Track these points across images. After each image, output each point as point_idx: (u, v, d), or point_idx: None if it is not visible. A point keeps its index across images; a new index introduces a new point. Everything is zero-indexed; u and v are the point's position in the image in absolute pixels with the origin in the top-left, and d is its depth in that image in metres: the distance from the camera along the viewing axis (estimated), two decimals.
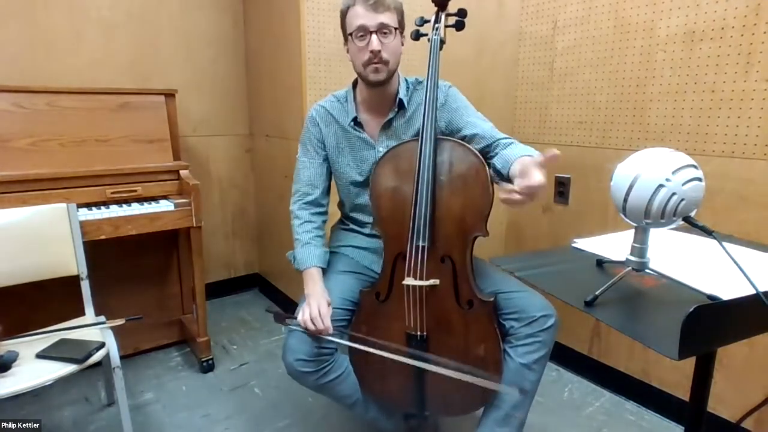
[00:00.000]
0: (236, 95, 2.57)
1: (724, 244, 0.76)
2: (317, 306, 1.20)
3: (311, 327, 1.17)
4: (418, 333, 1.19)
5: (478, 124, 1.31)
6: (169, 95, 1.99)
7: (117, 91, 1.90)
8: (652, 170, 0.79)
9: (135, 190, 1.80)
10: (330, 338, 1.19)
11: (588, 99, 1.85)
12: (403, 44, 1.30)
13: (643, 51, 1.65)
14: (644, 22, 1.64)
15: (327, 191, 1.44)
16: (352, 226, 1.46)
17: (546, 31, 1.99)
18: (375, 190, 1.26)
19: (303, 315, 1.19)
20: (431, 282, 1.17)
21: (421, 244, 1.17)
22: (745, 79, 1.42)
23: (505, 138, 1.27)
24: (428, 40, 1.27)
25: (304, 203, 1.41)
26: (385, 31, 1.23)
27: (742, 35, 1.42)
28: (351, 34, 1.25)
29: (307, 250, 1.34)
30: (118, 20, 2.17)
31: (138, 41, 2.24)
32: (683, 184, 0.77)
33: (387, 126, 1.36)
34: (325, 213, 1.43)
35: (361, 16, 1.22)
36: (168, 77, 2.32)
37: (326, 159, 1.42)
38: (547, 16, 1.97)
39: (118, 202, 1.76)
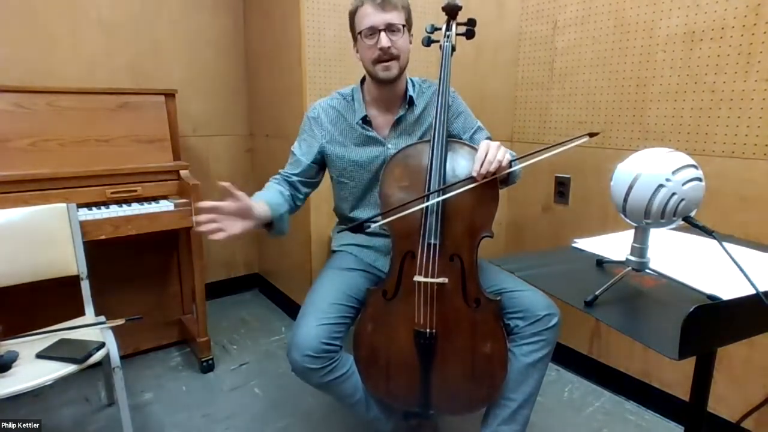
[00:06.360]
0: (236, 95, 2.56)
1: (724, 244, 0.76)
2: None
3: None
4: (428, 330, 1.20)
5: (476, 131, 1.43)
6: (169, 95, 1.99)
7: (117, 91, 1.90)
8: (652, 170, 0.79)
9: (135, 190, 1.80)
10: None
11: (588, 99, 1.85)
12: (411, 42, 1.33)
13: (643, 51, 1.65)
14: (644, 22, 1.64)
15: (306, 187, 1.42)
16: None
17: (546, 31, 1.99)
18: (386, 189, 1.26)
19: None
20: (441, 280, 1.18)
21: (432, 241, 1.18)
22: (745, 79, 1.42)
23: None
24: (440, 47, 1.32)
25: (281, 178, 1.40)
26: (393, 29, 1.26)
27: (742, 35, 1.42)
28: (360, 33, 1.28)
29: (259, 194, 1.29)
30: (118, 20, 2.17)
31: (138, 41, 2.24)
32: (683, 184, 0.77)
33: (397, 123, 1.39)
34: (297, 199, 1.39)
35: (370, 15, 1.25)
36: (168, 77, 2.32)
37: (318, 160, 1.41)
38: (547, 17, 1.97)
39: (118, 202, 1.76)
